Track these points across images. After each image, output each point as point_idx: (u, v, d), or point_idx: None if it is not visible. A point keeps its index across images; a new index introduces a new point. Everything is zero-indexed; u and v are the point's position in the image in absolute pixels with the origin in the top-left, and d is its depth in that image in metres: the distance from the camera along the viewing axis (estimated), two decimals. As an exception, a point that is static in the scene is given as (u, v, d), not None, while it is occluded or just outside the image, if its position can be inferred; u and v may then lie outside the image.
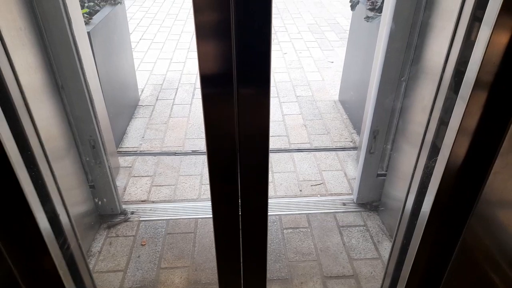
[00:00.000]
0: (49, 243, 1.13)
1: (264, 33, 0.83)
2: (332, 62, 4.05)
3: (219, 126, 0.96)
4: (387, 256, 1.83)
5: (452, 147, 1.00)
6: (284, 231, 2.00)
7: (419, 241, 1.19)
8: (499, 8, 0.83)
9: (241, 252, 1.23)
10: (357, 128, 2.81)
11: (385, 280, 1.50)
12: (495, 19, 0.84)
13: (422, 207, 1.17)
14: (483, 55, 0.88)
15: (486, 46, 0.87)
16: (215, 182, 1.07)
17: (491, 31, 0.86)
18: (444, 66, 1.07)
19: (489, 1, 0.87)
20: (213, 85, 0.89)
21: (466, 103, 0.94)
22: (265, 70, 0.88)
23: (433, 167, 1.10)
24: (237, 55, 0.85)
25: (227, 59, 0.85)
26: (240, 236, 1.19)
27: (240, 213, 1.14)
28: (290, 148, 2.68)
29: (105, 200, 2.04)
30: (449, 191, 1.07)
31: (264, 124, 0.96)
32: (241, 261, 1.25)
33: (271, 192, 2.28)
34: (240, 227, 1.17)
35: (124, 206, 2.13)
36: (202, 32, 0.82)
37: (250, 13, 0.80)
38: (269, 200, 1.19)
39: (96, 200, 2.02)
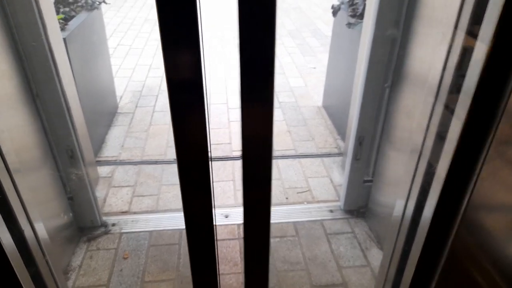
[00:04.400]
0: (14, 264, 1.03)
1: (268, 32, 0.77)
2: (314, 68, 4.08)
3: (190, 136, 0.91)
4: (375, 263, 1.82)
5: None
6: (272, 240, 1.96)
7: (421, 247, 1.17)
8: (496, 21, 0.83)
9: (243, 266, 1.18)
10: (342, 134, 2.82)
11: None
12: (481, 29, 0.85)
13: (423, 213, 1.16)
14: (468, 63, 0.89)
15: (471, 54, 0.88)
16: (188, 195, 1.01)
17: (475, 40, 0.86)
18: (442, 75, 1.07)
19: (486, 13, 0.87)
20: (182, 92, 0.83)
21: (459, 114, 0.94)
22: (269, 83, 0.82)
23: (433, 173, 1.09)
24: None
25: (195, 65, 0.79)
26: (216, 249, 1.14)
27: (243, 226, 1.08)
28: (275, 155, 2.66)
29: (84, 212, 1.95)
30: (451, 196, 1.06)
31: (268, 129, 0.91)
32: (244, 275, 1.21)
33: (256, 200, 2.24)
34: (243, 241, 1.11)
35: (104, 218, 2.04)
36: (168, 36, 0.76)
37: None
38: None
39: (75, 213, 1.93)
